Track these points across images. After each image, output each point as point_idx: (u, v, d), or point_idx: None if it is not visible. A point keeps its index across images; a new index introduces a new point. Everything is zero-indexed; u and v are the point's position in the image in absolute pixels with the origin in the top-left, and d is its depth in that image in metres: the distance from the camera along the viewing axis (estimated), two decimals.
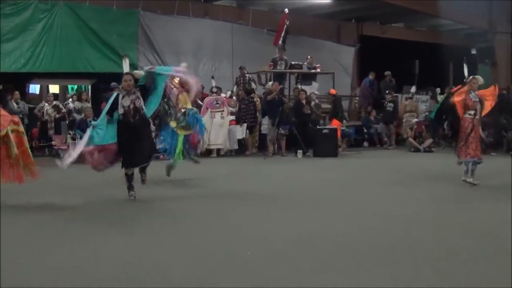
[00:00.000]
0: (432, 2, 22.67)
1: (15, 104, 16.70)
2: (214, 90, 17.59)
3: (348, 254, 5.69)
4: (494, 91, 10.87)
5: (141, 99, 8.93)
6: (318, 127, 17.31)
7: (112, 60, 18.99)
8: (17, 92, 17.17)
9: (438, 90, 22.62)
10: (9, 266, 5.23)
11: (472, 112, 10.20)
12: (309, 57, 20.36)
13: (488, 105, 10.54)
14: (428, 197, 9.21)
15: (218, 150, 17.04)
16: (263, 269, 5.25)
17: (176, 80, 10.65)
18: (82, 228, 7.02)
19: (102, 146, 8.71)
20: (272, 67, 19.40)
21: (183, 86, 10.71)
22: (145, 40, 19.95)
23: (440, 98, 21.49)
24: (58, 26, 18.32)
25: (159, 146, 10.95)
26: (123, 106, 8.82)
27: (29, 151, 8.48)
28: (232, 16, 22.09)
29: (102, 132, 8.75)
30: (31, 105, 18.40)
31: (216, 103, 17.01)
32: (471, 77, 10.74)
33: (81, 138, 14.76)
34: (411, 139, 18.56)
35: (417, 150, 18.12)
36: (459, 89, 10.49)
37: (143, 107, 8.94)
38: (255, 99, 17.80)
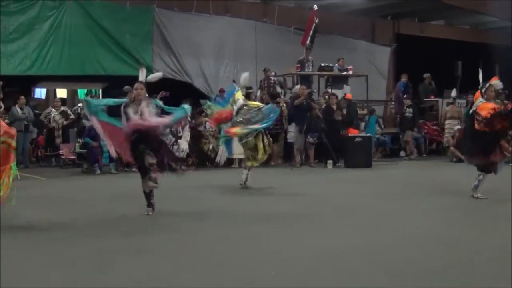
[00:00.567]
0: None
1: (19, 110, 16.77)
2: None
3: (380, 271, 5.62)
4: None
5: (150, 107, 8.78)
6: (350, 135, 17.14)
7: (125, 61, 19.02)
8: (22, 97, 17.21)
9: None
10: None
11: None
12: (341, 58, 20.23)
13: None
14: (463, 213, 9.11)
15: (240, 160, 16.94)
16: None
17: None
18: (87, 246, 6.97)
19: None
20: (299, 69, 19.32)
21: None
22: (160, 40, 19.96)
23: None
24: (66, 25, 18.38)
25: None
26: (126, 115, 8.74)
27: (13, 171, 8.11)
28: (256, 13, 22.05)
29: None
30: (36, 111, 18.49)
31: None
32: (488, 84, 10.45)
33: (90, 146, 15.03)
34: (452, 148, 18.31)
35: (459, 160, 17.88)
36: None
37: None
38: (281, 104, 17.71)
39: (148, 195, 8.99)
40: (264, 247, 6.83)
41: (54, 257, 6.47)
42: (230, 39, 21.34)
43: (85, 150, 15.83)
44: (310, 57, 19.58)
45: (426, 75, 22.25)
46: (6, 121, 13.36)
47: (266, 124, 11.98)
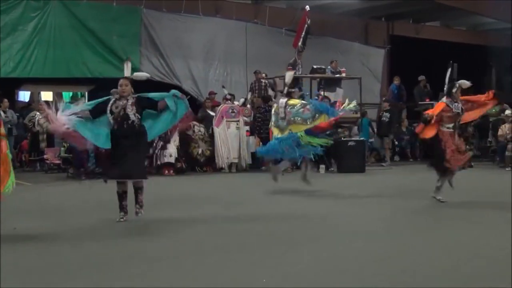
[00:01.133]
0: None
1: (2, 113, 16.71)
2: (228, 97, 17.61)
3: (379, 276, 5.67)
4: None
5: (135, 107, 8.75)
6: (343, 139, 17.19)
7: (112, 64, 19.00)
8: (5, 100, 17.14)
9: None
10: None
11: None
12: (334, 60, 20.28)
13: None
14: (457, 216, 9.16)
15: (230, 165, 17.00)
16: None
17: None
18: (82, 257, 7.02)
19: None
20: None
21: None
22: (148, 42, 20.00)
23: None
24: (51, 26, 18.36)
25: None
26: (111, 112, 8.76)
27: (9, 159, 8.13)
28: (247, 14, 22.13)
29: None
30: (20, 114, 18.47)
31: (232, 112, 17.05)
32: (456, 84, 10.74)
33: (76, 151, 15.03)
34: None
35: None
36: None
37: (137, 116, 8.76)
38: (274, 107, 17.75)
39: (122, 197, 8.95)
40: (261, 255, 6.87)
41: (40, 264, 6.50)
42: (220, 41, 21.40)
43: (71, 155, 15.85)
44: (299, 60, 19.61)
45: (421, 77, 22.31)
46: None
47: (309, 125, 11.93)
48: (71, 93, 22.49)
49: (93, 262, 6.54)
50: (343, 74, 20.26)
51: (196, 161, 16.88)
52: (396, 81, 22.16)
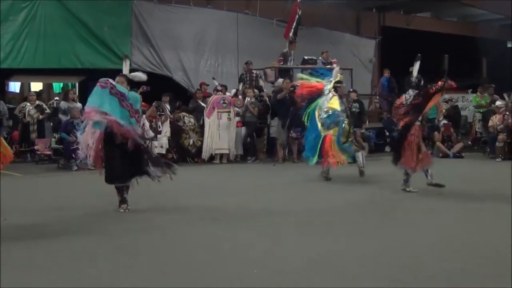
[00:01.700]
0: None
1: None
2: (219, 88, 17.58)
3: (377, 275, 5.69)
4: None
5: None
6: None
7: (103, 54, 18.93)
8: None
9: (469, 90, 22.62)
10: None
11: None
12: (325, 51, 20.24)
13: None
14: (452, 212, 9.15)
15: (221, 156, 16.99)
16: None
17: None
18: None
19: None
20: (282, 63, 19.32)
21: None
22: (139, 33, 19.90)
23: (473, 97, 21.60)
24: (42, 16, 18.22)
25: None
26: None
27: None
28: (238, 5, 22.05)
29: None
30: (11, 105, 18.41)
31: (223, 103, 17.01)
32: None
33: (67, 142, 15.00)
34: (439, 143, 18.46)
35: (445, 155, 18.05)
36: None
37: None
38: (265, 98, 17.76)
39: (120, 190, 9.09)
40: (248, 247, 6.88)
41: (30, 255, 6.51)
42: (211, 32, 21.33)
43: (61, 146, 15.83)
44: (292, 51, 19.60)
45: (412, 68, 22.27)
46: None
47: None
48: (61, 84, 22.47)
49: (81, 254, 6.54)
50: (335, 65, 20.20)
51: (187, 152, 16.86)
52: (386, 73, 22.14)
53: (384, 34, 25.99)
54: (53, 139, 16.58)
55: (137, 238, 7.34)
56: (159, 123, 16.24)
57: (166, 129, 16.33)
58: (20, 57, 17.94)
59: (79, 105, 16.44)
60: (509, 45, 27.65)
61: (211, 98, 17.22)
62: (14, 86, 23.01)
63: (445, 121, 19.06)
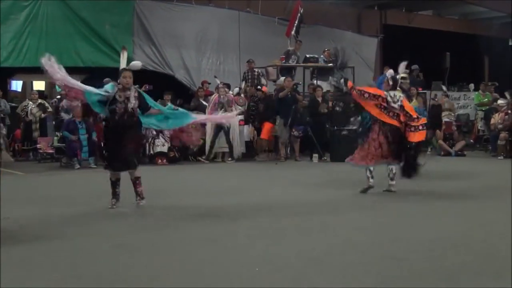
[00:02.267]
0: None
1: None
2: (221, 86, 17.57)
3: (375, 272, 5.67)
4: None
5: (137, 100, 9.05)
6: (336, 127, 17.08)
7: (105, 53, 18.94)
8: None
9: (471, 86, 22.58)
10: None
11: None
12: (326, 49, 20.21)
13: None
14: (452, 211, 9.15)
15: (223, 154, 16.97)
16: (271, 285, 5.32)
17: None
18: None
19: None
20: (284, 61, 19.29)
21: None
22: (141, 31, 19.90)
23: (475, 95, 21.59)
24: (43, 15, 18.23)
25: None
26: (115, 100, 8.94)
27: None
28: (239, 3, 22.04)
29: None
30: (13, 104, 18.40)
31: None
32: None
33: (69, 140, 15.00)
34: (441, 142, 18.43)
35: (447, 154, 18.03)
36: None
37: (136, 108, 9.05)
38: (266, 92, 17.74)
39: (114, 184, 9.16)
40: (248, 246, 6.86)
41: (31, 255, 6.49)
42: (213, 30, 21.32)
43: (64, 144, 15.81)
44: (297, 51, 19.58)
45: (414, 67, 22.27)
46: None
47: None
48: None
49: (81, 252, 6.52)
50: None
51: (189, 150, 16.82)
52: (386, 71, 22.06)
53: (386, 32, 25.95)
54: (55, 138, 16.58)
55: (138, 237, 7.30)
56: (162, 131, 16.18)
57: None
58: (22, 56, 17.94)
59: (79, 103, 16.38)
60: (510, 43, 27.58)
61: (212, 96, 17.20)
62: (16, 85, 22.97)
63: (446, 119, 19.04)
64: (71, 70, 19.31)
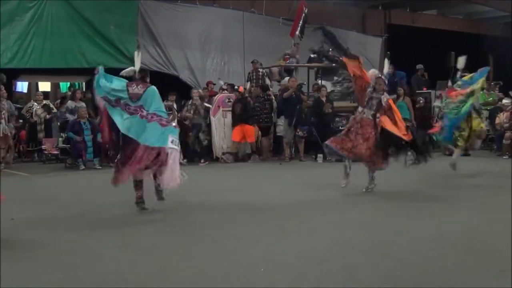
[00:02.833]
0: None
1: None
2: (224, 87, 17.58)
3: (376, 271, 5.65)
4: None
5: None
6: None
7: (109, 53, 18.91)
8: (4, 91, 17.06)
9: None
10: None
11: None
12: (330, 49, 20.13)
13: None
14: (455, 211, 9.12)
15: (227, 154, 16.94)
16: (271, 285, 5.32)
17: None
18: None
19: None
20: (288, 61, 19.27)
21: None
22: (145, 32, 19.89)
23: (479, 94, 21.50)
24: (48, 16, 18.21)
25: None
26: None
27: None
28: (244, 3, 22.04)
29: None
30: (18, 105, 18.40)
31: (228, 101, 17.00)
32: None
33: (74, 141, 14.97)
34: None
35: (451, 154, 17.92)
36: None
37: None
38: (272, 97, 17.69)
39: (138, 185, 9.04)
40: (252, 245, 6.85)
41: (32, 254, 6.49)
42: (217, 30, 21.32)
43: (69, 145, 15.81)
44: (297, 55, 19.55)
45: (419, 66, 22.23)
46: None
47: None
48: (68, 83, 22.45)
49: (85, 252, 6.53)
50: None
51: (194, 150, 16.79)
52: (390, 69, 22.01)
53: (390, 32, 25.93)
54: (60, 139, 16.55)
55: (141, 236, 7.32)
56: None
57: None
58: (27, 57, 17.92)
59: (84, 104, 16.49)
60: None
61: (216, 97, 17.20)
62: (22, 86, 23.01)
63: None
64: (76, 71, 19.53)
